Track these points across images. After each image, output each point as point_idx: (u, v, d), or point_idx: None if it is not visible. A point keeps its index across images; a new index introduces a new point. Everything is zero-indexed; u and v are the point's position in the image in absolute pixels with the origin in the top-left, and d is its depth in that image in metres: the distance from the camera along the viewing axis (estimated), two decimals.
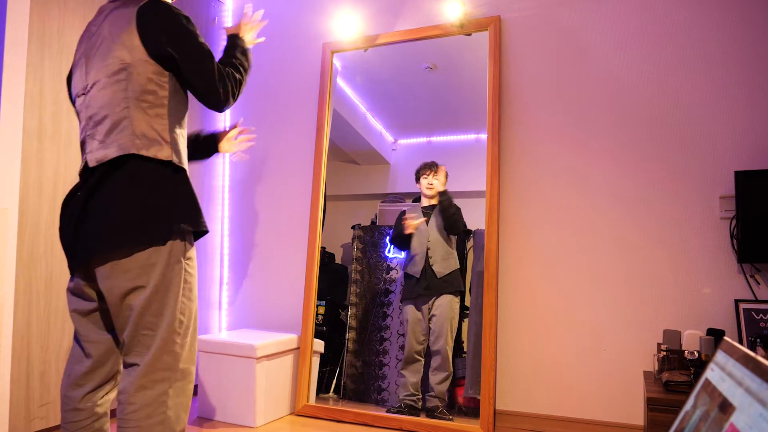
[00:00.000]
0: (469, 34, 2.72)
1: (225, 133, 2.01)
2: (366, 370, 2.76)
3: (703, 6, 2.37)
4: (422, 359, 2.64)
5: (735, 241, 2.22)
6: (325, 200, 2.92)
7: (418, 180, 2.76)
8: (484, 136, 2.64)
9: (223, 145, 2.00)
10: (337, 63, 3.01)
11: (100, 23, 1.48)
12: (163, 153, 1.43)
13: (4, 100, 2.02)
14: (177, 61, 1.44)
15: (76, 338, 1.51)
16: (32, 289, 2.14)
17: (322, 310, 2.88)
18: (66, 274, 2.28)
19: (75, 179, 2.33)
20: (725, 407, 0.68)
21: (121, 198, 1.38)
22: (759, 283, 2.20)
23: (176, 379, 1.40)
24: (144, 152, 1.40)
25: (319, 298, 2.85)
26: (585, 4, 2.56)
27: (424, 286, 2.65)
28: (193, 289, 1.47)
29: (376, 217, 2.87)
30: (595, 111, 2.51)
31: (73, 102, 1.57)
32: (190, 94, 1.56)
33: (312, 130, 3.03)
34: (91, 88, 1.46)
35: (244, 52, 1.68)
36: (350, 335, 2.81)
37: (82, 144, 1.49)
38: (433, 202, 2.72)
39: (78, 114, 1.52)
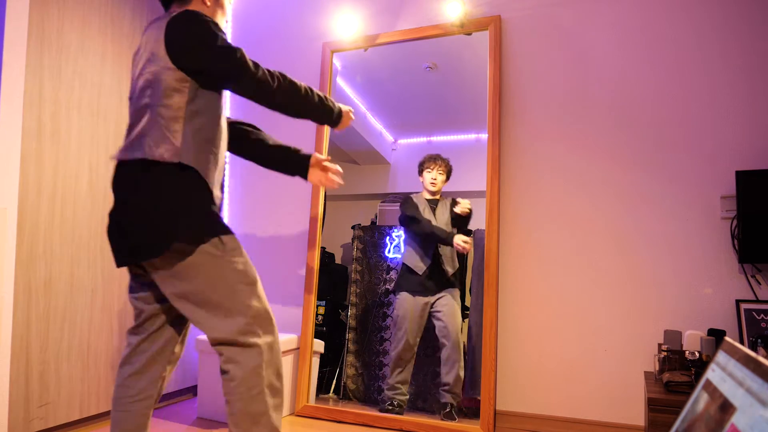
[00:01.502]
0: (470, 34, 2.72)
1: (319, 160, 1.99)
2: (366, 371, 2.75)
3: (704, 5, 2.36)
4: (414, 357, 2.63)
5: (736, 241, 2.21)
6: (325, 200, 2.91)
7: (420, 173, 2.75)
8: (484, 136, 2.64)
9: (314, 173, 2.01)
10: (337, 63, 3.01)
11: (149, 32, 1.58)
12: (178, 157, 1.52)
13: (3, 99, 2.02)
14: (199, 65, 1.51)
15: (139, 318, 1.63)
16: (31, 289, 2.13)
17: (322, 311, 2.88)
18: (64, 274, 2.27)
19: (74, 178, 2.33)
20: (726, 408, 0.67)
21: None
22: (760, 284, 2.19)
23: (263, 354, 1.52)
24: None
25: (319, 298, 2.85)
26: (585, 4, 2.55)
27: (435, 283, 2.63)
28: (249, 272, 1.57)
29: (376, 217, 2.87)
30: (596, 110, 2.50)
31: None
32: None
33: (312, 129, 3.02)
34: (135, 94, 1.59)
35: (326, 101, 1.78)
36: (350, 335, 2.81)
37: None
38: (437, 197, 2.72)
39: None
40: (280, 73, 1.63)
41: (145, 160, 1.46)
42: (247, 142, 1.91)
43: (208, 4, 1.66)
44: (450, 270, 2.64)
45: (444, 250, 2.66)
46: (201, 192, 1.50)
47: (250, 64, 1.54)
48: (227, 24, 1.87)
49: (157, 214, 1.45)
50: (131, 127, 1.54)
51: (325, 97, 1.78)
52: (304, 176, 1.99)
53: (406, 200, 2.75)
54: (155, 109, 1.48)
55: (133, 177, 1.48)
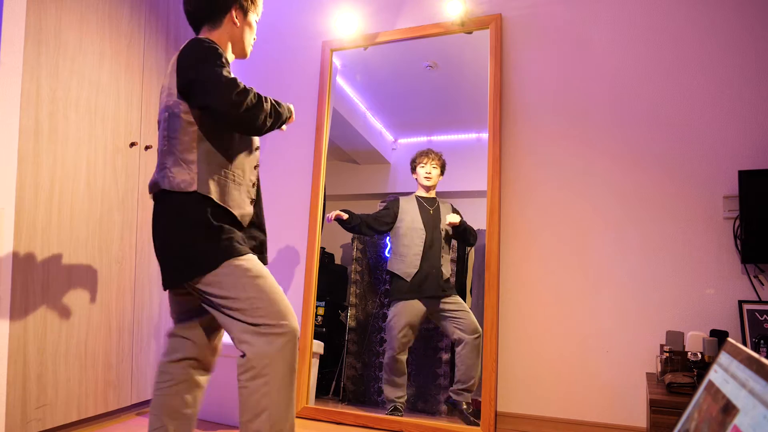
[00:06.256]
0: (470, 33, 2.70)
1: None
2: (366, 372, 2.74)
3: (705, 4, 2.35)
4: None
5: (738, 242, 2.19)
6: (325, 200, 2.90)
7: (414, 169, 2.72)
8: (485, 135, 2.62)
9: None
10: (336, 61, 3.00)
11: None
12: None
13: (0, 98, 2.01)
14: (191, 85, 1.49)
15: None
16: (28, 290, 2.12)
17: (321, 311, 2.86)
18: (62, 275, 2.26)
19: (71, 178, 2.32)
20: (729, 409, 0.66)
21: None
22: (763, 284, 2.17)
23: (273, 342, 1.51)
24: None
25: (319, 298, 2.84)
26: (586, 3, 2.54)
27: (434, 287, 2.59)
28: (254, 268, 1.53)
29: None
30: (597, 110, 2.49)
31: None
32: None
33: (312, 129, 3.01)
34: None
35: (279, 104, 1.65)
36: (350, 336, 2.79)
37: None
38: (432, 194, 2.69)
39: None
40: (262, 103, 1.53)
41: (167, 191, 1.53)
42: None
43: (238, 24, 1.67)
44: (447, 274, 2.61)
45: (445, 256, 2.63)
46: (210, 220, 1.51)
47: (241, 103, 1.46)
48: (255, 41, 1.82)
49: (174, 249, 1.52)
50: (159, 156, 1.60)
51: (278, 104, 1.64)
52: None
53: (391, 202, 2.72)
54: (172, 141, 1.54)
55: (158, 208, 1.58)
